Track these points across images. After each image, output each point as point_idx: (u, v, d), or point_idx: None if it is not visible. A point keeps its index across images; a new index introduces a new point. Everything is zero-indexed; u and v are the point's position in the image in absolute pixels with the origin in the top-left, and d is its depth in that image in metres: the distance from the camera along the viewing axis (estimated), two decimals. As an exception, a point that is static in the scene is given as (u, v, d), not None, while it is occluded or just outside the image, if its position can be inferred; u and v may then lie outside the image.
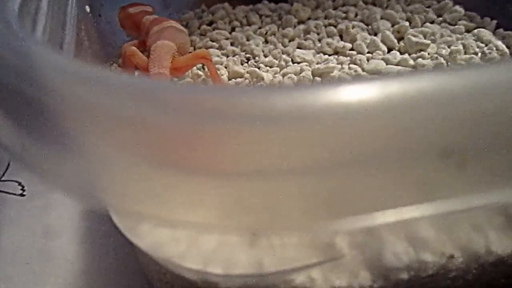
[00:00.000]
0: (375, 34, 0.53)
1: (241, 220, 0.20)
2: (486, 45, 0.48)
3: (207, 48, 0.53)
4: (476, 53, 0.47)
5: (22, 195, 0.45)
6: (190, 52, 0.52)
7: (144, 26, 0.50)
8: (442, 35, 0.50)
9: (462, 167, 0.19)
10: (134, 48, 0.46)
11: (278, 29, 0.56)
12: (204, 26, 0.58)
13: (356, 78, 0.20)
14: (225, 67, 0.49)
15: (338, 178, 0.19)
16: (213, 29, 0.57)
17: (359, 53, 0.50)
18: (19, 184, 0.47)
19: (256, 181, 0.19)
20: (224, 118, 0.18)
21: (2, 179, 0.47)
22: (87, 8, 0.45)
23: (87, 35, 0.42)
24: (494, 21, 0.53)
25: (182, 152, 0.19)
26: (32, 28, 0.27)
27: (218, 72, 0.47)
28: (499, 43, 0.47)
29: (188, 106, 0.18)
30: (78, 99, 0.19)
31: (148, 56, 0.46)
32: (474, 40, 0.49)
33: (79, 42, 0.37)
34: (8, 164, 0.49)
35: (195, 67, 0.49)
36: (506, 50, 0.47)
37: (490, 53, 0.46)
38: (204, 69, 0.49)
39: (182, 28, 0.50)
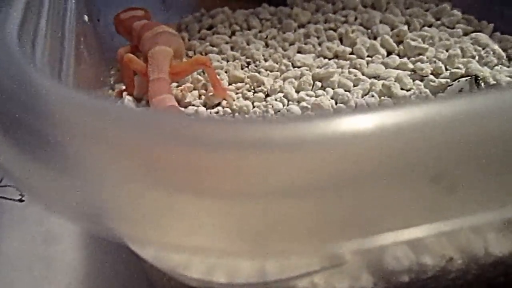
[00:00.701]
0: (375, 38, 0.53)
1: (248, 245, 0.21)
2: (483, 49, 0.48)
3: (207, 53, 0.53)
4: (473, 57, 0.47)
5: (21, 200, 0.45)
6: (188, 56, 0.53)
7: (135, 32, 0.51)
8: (440, 39, 0.51)
9: (453, 190, 0.20)
10: (131, 55, 0.47)
11: (278, 33, 0.56)
12: (203, 31, 0.58)
13: (356, 109, 0.21)
14: (226, 72, 0.50)
15: (339, 201, 0.20)
16: (213, 33, 0.57)
17: (359, 57, 0.50)
18: (18, 189, 0.46)
19: (261, 204, 0.20)
20: (227, 145, 0.19)
21: (1, 184, 0.47)
22: (86, 18, 0.45)
23: (86, 45, 0.42)
24: (491, 25, 0.54)
25: (185, 177, 0.20)
26: (31, 50, 0.27)
27: (219, 77, 0.48)
28: (496, 47, 0.48)
29: (196, 134, 0.19)
30: (79, 128, 0.20)
31: (143, 60, 0.47)
32: (471, 43, 0.49)
33: (79, 53, 0.38)
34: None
35: (196, 73, 0.49)
36: (503, 53, 0.47)
37: (487, 56, 0.47)
38: (204, 73, 0.49)
39: (174, 32, 0.51)
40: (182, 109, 0.45)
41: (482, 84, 0.42)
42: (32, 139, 0.21)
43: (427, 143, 0.19)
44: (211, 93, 0.47)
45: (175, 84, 0.48)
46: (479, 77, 0.43)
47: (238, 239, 0.21)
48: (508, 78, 0.45)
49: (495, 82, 0.43)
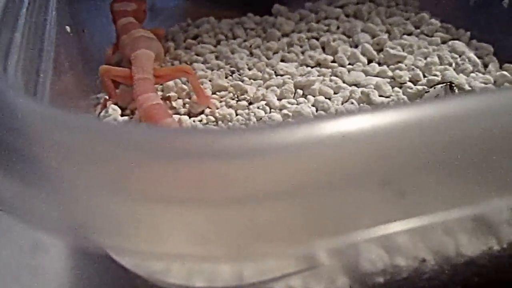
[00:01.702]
0: (356, 47, 0.54)
1: (225, 249, 0.22)
2: (460, 56, 0.50)
3: (192, 62, 0.54)
4: (450, 64, 0.49)
5: None
6: (171, 63, 0.54)
7: (118, 28, 0.53)
8: (419, 47, 0.52)
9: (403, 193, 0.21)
10: (105, 66, 0.48)
11: (262, 42, 0.57)
12: (189, 40, 0.59)
13: (315, 118, 0.22)
14: (210, 81, 0.50)
15: (308, 204, 0.21)
16: (198, 43, 0.58)
17: (340, 65, 0.52)
18: None
19: (237, 209, 0.21)
20: (201, 155, 0.20)
21: None
22: (68, 28, 0.46)
23: (67, 55, 0.42)
24: (468, 33, 0.55)
25: (161, 187, 0.20)
26: (3, 63, 0.28)
27: (203, 86, 0.49)
28: (471, 54, 0.49)
29: (180, 146, 0.20)
30: (52, 143, 0.21)
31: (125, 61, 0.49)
32: (449, 51, 0.51)
33: (58, 65, 0.38)
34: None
35: (180, 82, 0.50)
36: (478, 61, 0.49)
37: (463, 63, 0.48)
38: (188, 82, 0.50)
39: (152, 36, 0.52)
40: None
41: (456, 90, 0.44)
42: (5, 154, 0.21)
43: (378, 150, 0.21)
44: (195, 102, 0.48)
45: (159, 93, 0.49)
46: (454, 83, 0.44)
47: (215, 244, 0.22)
48: (483, 85, 0.46)
49: (470, 88, 0.45)
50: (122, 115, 0.47)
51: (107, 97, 0.49)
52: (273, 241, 0.22)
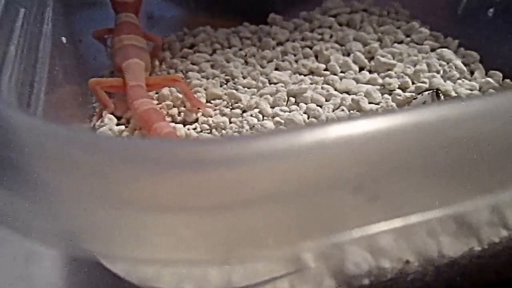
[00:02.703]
0: (348, 55, 0.55)
1: (212, 252, 0.23)
2: (447, 64, 0.51)
3: (187, 71, 0.55)
4: (438, 71, 0.50)
5: None
6: (167, 72, 0.56)
7: (115, 22, 0.55)
8: (409, 55, 0.53)
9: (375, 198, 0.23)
10: (94, 79, 0.49)
11: (257, 51, 0.58)
12: (185, 49, 0.60)
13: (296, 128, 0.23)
14: (204, 89, 0.52)
15: (292, 208, 0.23)
16: (194, 52, 0.59)
17: (332, 73, 0.53)
18: None
19: (223, 215, 0.22)
20: (191, 165, 0.21)
21: None
22: (63, 39, 0.47)
23: (62, 66, 0.43)
24: (456, 41, 0.56)
25: (152, 196, 0.21)
26: None
27: (196, 95, 0.50)
28: (458, 62, 0.51)
29: (162, 156, 0.21)
30: (39, 155, 0.22)
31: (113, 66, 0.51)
32: (437, 59, 0.52)
33: (53, 75, 0.39)
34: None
35: (175, 90, 0.51)
36: (464, 68, 0.50)
37: (450, 71, 0.49)
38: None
39: (142, 45, 0.53)
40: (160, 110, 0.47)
41: (443, 97, 0.45)
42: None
43: (353, 157, 0.22)
44: (189, 109, 0.49)
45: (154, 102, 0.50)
46: (440, 90, 0.45)
47: (204, 250, 0.23)
48: (468, 91, 0.47)
49: (456, 95, 0.46)
50: (117, 124, 0.48)
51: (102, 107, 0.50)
52: (257, 244, 0.23)
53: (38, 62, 0.36)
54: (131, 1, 0.55)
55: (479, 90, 0.48)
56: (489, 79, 0.49)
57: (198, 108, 0.49)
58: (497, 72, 0.51)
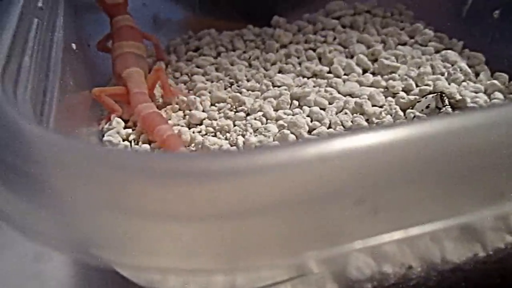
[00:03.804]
0: (352, 57, 0.55)
1: (216, 261, 0.23)
2: (452, 66, 0.50)
3: (192, 74, 0.56)
4: (442, 74, 0.50)
5: None
6: (175, 78, 0.56)
7: (112, 26, 0.55)
8: (412, 57, 0.53)
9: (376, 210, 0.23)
10: (97, 88, 0.49)
11: (261, 53, 0.59)
12: (190, 53, 0.60)
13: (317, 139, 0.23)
14: (209, 92, 0.52)
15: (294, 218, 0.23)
16: (199, 55, 0.60)
17: (335, 76, 0.53)
18: None
19: (227, 224, 0.22)
20: (196, 175, 0.21)
21: None
22: (74, 46, 0.47)
23: (73, 72, 0.44)
24: (461, 42, 0.56)
25: (160, 205, 0.22)
26: (14, 87, 0.29)
27: (201, 97, 0.51)
28: (463, 64, 0.50)
29: (169, 167, 0.22)
30: (53, 167, 0.22)
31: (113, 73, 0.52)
32: (441, 61, 0.52)
33: (64, 82, 0.39)
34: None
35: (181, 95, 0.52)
36: (469, 70, 0.50)
37: (454, 73, 0.49)
38: (188, 92, 0.53)
39: (141, 53, 0.53)
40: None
41: (447, 100, 0.45)
42: (15, 176, 0.23)
43: (355, 170, 0.22)
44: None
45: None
46: (444, 93, 0.45)
47: (207, 258, 0.23)
48: (473, 94, 0.47)
49: (461, 97, 0.46)
50: (125, 128, 0.49)
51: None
52: (261, 254, 0.23)
53: (50, 70, 0.37)
54: (121, 1, 0.55)
55: (485, 92, 0.48)
56: (494, 81, 0.49)
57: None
58: (503, 74, 0.51)
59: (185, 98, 0.51)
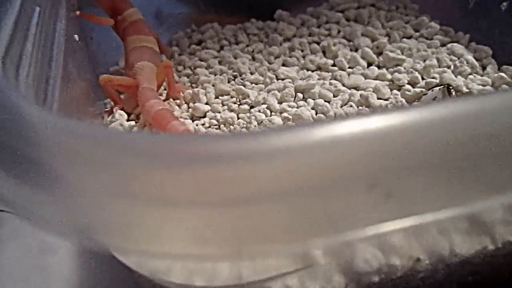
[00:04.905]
0: (356, 50, 0.55)
1: (225, 247, 0.23)
2: (458, 59, 0.50)
3: (195, 67, 0.55)
4: (449, 67, 0.49)
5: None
6: (178, 71, 0.56)
7: (123, 20, 0.54)
8: (418, 50, 0.53)
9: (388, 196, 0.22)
10: (105, 75, 0.49)
11: (264, 47, 0.58)
12: (193, 46, 0.60)
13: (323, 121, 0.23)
14: (213, 85, 0.51)
15: (301, 205, 0.22)
16: (202, 48, 0.59)
17: (340, 69, 0.52)
18: None
19: (235, 210, 0.21)
20: (202, 160, 0.21)
21: None
22: (76, 37, 0.47)
23: (75, 63, 0.43)
24: (467, 35, 0.56)
25: (167, 190, 0.21)
26: (15, 73, 0.29)
27: (205, 90, 0.50)
28: (470, 57, 0.50)
29: (174, 151, 0.21)
30: (57, 150, 0.22)
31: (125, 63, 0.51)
32: (447, 54, 0.51)
33: (66, 72, 0.39)
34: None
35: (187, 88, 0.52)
36: (476, 63, 0.49)
37: (461, 66, 0.48)
38: (192, 86, 0.53)
39: (156, 49, 0.53)
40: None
41: (454, 92, 0.44)
42: (18, 161, 0.22)
43: (366, 154, 0.21)
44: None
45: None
46: (451, 86, 0.45)
47: (214, 244, 0.22)
48: (480, 87, 0.46)
49: (467, 90, 0.45)
50: (128, 120, 0.48)
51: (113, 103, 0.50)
52: (268, 240, 0.23)
53: (53, 59, 0.36)
54: None
55: (492, 85, 0.47)
56: (502, 74, 0.48)
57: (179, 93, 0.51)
58: (510, 67, 0.50)
59: (190, 91, 0.50)
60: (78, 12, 0.50)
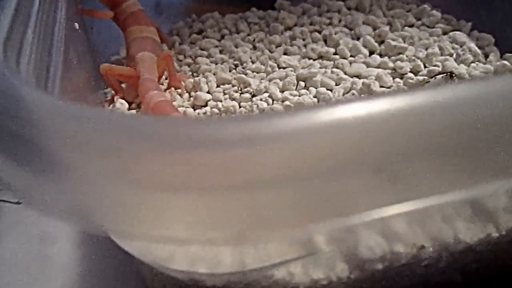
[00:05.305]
0: (358, 39, 0.55)
1: (228, 231, 0.22)
2: (461, 47, 0.50)
3: (196, 56, 0.55)
4: (451, 55, 0.49)
5: (18, 202, 0.46)
6: (179, 60, 0.55)
7: (123, 12, 0.54)
8: (420, 38, 0.53)
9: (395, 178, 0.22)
10: (106, 64, 0.49)
11: (265, 36, 0.58)
12: (194, 35, 0.60)
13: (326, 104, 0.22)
14: (214, 74, 0.51)
15: (303, 190, 0.22)
16: (203, 38, 0.59)
17: (342, 57, 0.52)
18: None
19: (237, 195, 0.21)
20: (204, 143, 0.20)
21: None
22: (76, 25, 0.47)
23: (76, 52, 0.43)
24: (469, 23, 0.56)
25: (165, 174, 0.21)
26: (17, 59, 0.28)
27: (207, 79, 0.50)
28: (472, 45, 0.50)
29: (174, 134, 0.21)
30: (62, 135, 0.21)
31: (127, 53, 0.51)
32: (450, 42, 0.51)
33: (67, 61, 0.39)
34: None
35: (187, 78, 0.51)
36: (479, 51, 0.49)
37: (463, 54, 0.48)
38: (193, 75, 0.52)
39: (157, 39, 0.53)
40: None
41: (456, 80, 0.44)
42: (19, 145, 0.22)
43: (371, 136, 0.21)
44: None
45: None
46: (454, 73, 0.45)
47: (216, 229, 0.22)
48: (483, 75, 0.46)
49: (470, 78, 0.45)
50: (129, 109, 0.48)
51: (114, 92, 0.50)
52: (272, 225, 0.23)
53: (53, 47, 0.36)
54: None
55: (494, 73, 0.47)
56: (504, 62, 0.48)
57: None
58: (513, 55, 0.50)
59: (191, 80, 0.50)
60: (79, 6, 0.49)
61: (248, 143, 0.21)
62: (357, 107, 0.21)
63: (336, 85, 0.48)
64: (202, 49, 0.57)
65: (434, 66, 0.47)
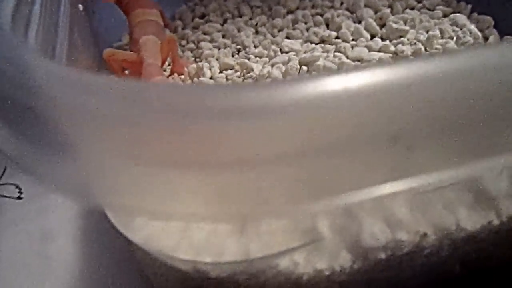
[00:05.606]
0: (359, 22, 0.55)
1: (227, 208, 0.22)
2: (461, 29, 0.50)
3: (199, 41, 0.56)
4: (451, 37, 0.49)
5: (19, 198, 0.46)
6: (181, 45, 0.56)
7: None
8: (421, 21, 0.53)
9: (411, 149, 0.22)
10: (109, 49, 0.48)
11: (268, 20, 0.58)
12: (196, 20, 0.60)
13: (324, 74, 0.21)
14: (217, 59, 0.52)
15: (312, 164, 0.21)
16: (206, 22, 0.59)
17: (344, 41, 0.52)
18: (17, 187, 0.47)
19: (240, 171, 0.21)
20: (207, 116, 0.20)
21: (0, 182, 0.48)
22: (80, 7, 0.46)
23: (80, 34, 0.43)
24: (469, 6, 0.56)
25: (169, 148, 0.20)
26: (24, 33, 0.28)
27: (210, 64, 0.51)
28: (473, 27, 0.50)
29: (177, 106, 0.20)
30: (69, 104, 0.21)
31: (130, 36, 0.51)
32: (450, 24, 0.51)
33: (72, 42, 0.38)
34: (5, 168, 0.49)
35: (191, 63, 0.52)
36: (479, 33, 0.49)
37: (464, 37, 0.48)
38: (196, 60, 0.53)
39: (161, 22, 0.52)
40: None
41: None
42: (22, 115, 0.22)
43: (385, 106, 0.20)
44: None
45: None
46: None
47: (219, 205, 0.22)
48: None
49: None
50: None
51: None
52: (279, 200, 0.22)
53: (59, 26, 0.36)
54: None
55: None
56: (504, 44, 0.48)
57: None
58: (512, 37, 0.50)
59: (194, 66, 0.51)
60: None
61: (254, 115, 0.20)
62: (369, 75, 0.20)
63: (338, 69, 0.48)
64: (204, 34, 0.57)
65: (435, 49, 0.48)
